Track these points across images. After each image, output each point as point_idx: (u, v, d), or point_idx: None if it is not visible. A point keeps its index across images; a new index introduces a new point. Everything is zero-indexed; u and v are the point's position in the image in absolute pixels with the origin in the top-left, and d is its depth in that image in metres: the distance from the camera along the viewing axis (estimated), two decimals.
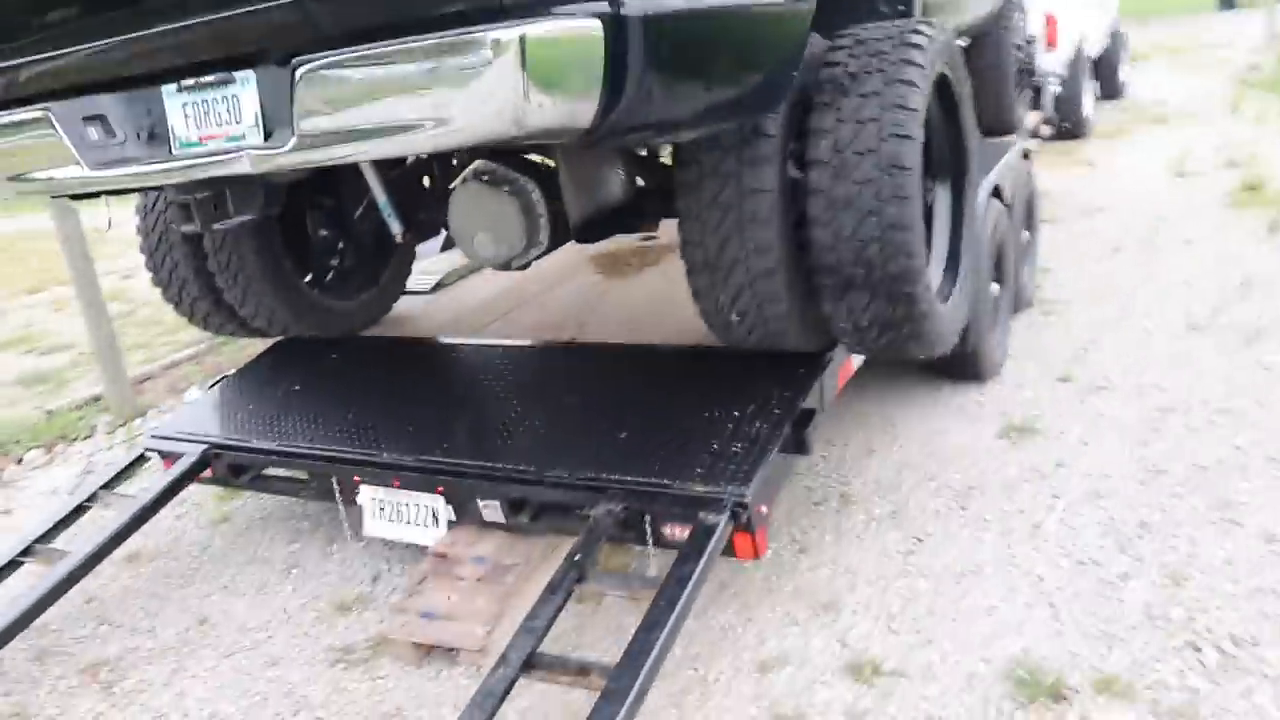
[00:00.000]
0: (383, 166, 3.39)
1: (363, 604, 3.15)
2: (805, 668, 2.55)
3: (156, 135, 2.52)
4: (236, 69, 2.34)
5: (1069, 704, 2.28)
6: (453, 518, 3.01)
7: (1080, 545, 2.91)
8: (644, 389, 3.22)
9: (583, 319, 3.92)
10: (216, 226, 3.10)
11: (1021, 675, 2.39)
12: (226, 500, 4.00)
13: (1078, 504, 3.13)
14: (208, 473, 3.46)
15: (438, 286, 4.55)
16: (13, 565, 3.21)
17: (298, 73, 2.14)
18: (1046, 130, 7.64)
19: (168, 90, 2.46)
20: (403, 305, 4.37)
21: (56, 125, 2.61)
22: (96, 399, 5.65)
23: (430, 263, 4.75)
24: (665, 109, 2.24)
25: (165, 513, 3.52)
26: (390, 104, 2.09)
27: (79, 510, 3.43)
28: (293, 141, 2.20)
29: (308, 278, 3.92)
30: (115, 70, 2.51)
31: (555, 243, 3.15)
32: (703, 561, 2.42)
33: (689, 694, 2.50)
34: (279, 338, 4.11)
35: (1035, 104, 7.14)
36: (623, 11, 2.02)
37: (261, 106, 2.32)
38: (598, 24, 1.98)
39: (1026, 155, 4.93)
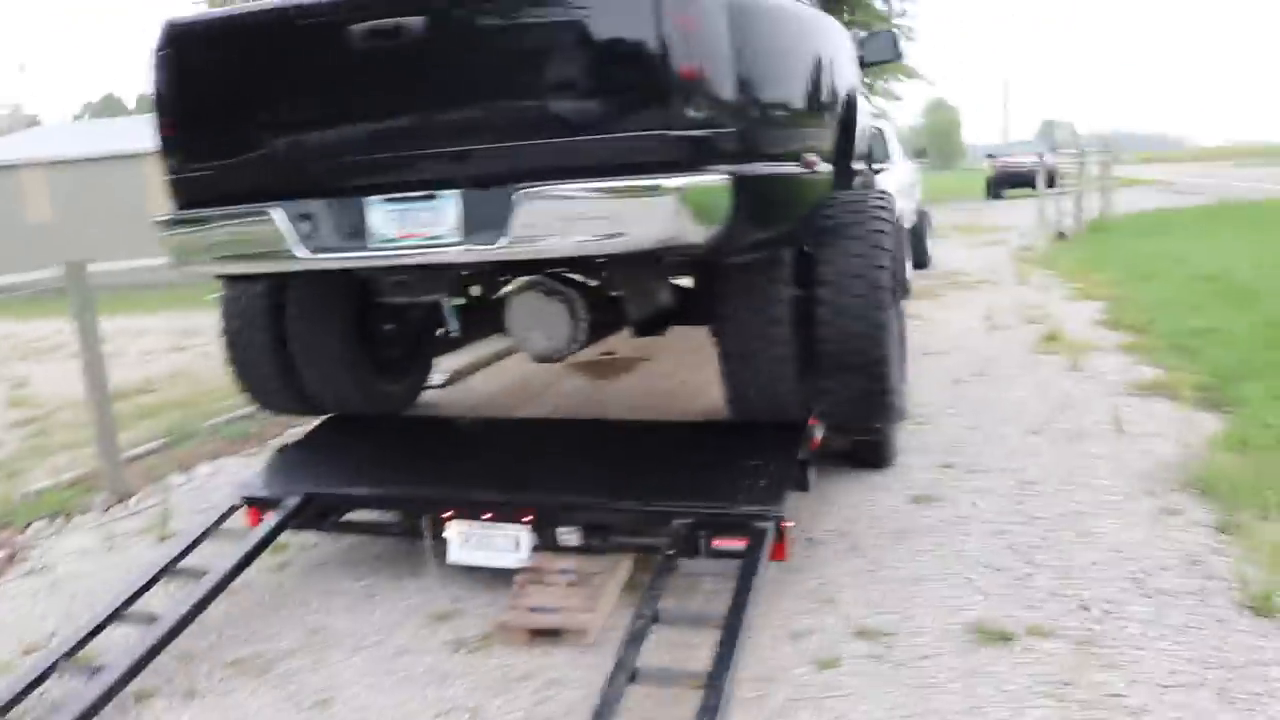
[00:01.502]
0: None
1: (456, 615, 3.93)
2: (826, 634, 3.57)
3: (357, 233, 3.45)
4: (442, 189, 3.33)
5: (1014, 641, 3.39)
6: (534, 544, 3.90)
7: (995, 559, 4.07)
8: (676, 447, 4.24)
9: (596, 406, 4.93)
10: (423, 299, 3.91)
11: (979, 630, 3.49)
12: (276, 553, 4.67)
13: (984, 536, 4.32)
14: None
15: (449, 382, 5.46)
16: (100, 628, 3.63)
17: (516, 194, 3.15)
18: None
19: (374, 200, 3.42)
20: (423, 395, 5.25)
21: (278, 221, 3.50)
22: (75, 482, 6.15)
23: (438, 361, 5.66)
24: (749, 235, 3.36)
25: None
26: (585, 221, 3.14)
27: (171, 565, 3.99)
28: (504, 241, 3.19)
29: (371, 364, 4.77)
30: (332, 183, 3.45)
31: (589, 341, 4.21)
32: (763, 556, 3.42)
33: (748, 655, 3.45)
34: (327, 415, 4.91)
35: None
36: (740, 174, 3.16)
37: (464, 215, 3.30)
38: (728, 179, 3.11)
39: None
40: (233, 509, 4.32)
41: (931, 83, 36.91)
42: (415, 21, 3.22)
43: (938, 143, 79.30)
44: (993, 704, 3.07)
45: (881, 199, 4.03)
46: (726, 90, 3.11)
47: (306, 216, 3.48)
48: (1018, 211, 22.76)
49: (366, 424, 4.80)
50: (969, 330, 9.16)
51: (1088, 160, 19.19)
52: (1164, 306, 9.13)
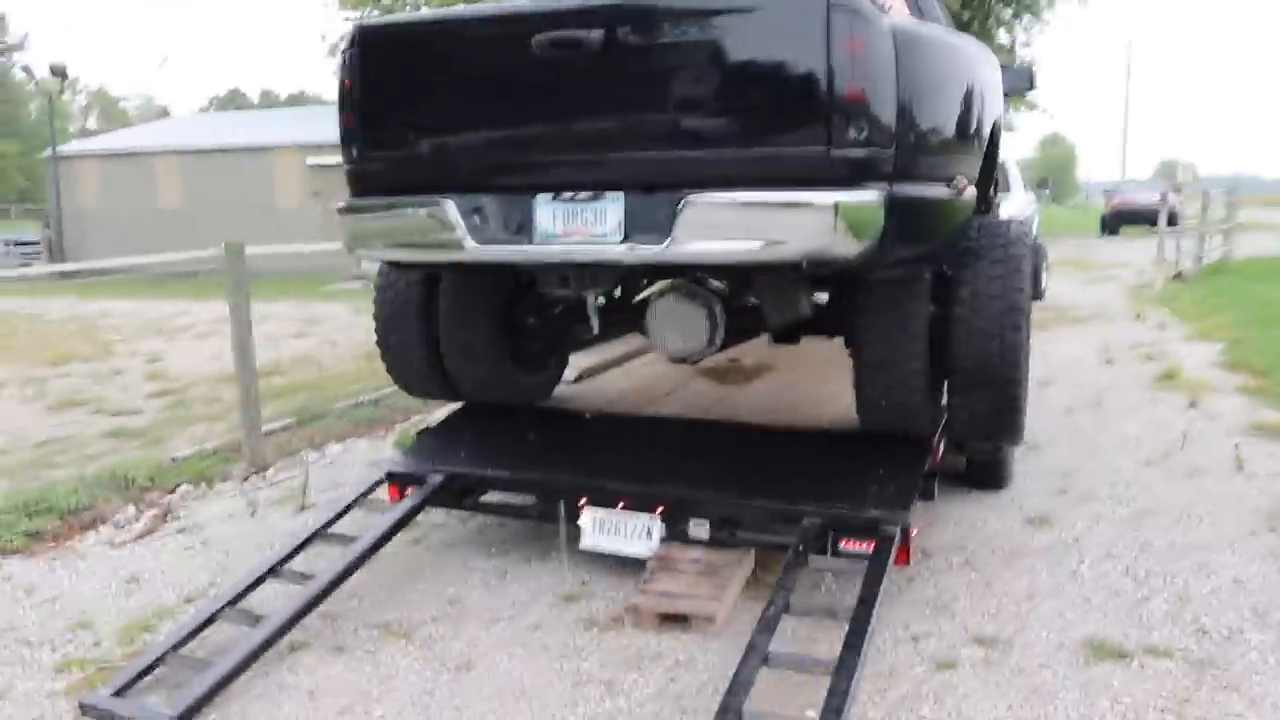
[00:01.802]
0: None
1: (585, 596, 4.16)
2: (944, 638, 3.70)
3: (523, 229, 3.70)
4: (609, 191, 3.55)
5: (1130, 659, 3.48)
6: (664, 534, 4.10)
7: (1109, 581, 4.15)
8: (805, 452, 4.41)
9: (724, 409, 5.12)
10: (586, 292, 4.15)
11: (1095, 645, 3.59)
12: (410, 530, 4.94)
13: (1097, 560, 4.39)
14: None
15: (580, 378, 5.71)
16: (260, 581, 3.94)
17: (684, 200, 3.36)
18: None
19: (542, 198, 3.66)
20: (557, 390, 5.51)
21: (450, 212, 3.76)
22: (215, 452, 6.56)
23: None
24: (898, 252, 3.52)
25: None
26: (747, 228, 3.33)
27: (322, 530, 4.27)
28: (669, 243, 3.41)
29: (512, 356, 5.04)
30: (503, 180, 3.71)
31: (725, 346, 4.39)
32: (891, 560, 3.57)
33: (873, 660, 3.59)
34: (464, 402, 5.19)
35: None
36: (894, 193, 3.32)
37: (626, 217, 3.52)
38: (881, 197, 3.28)
39: None
40: (378, 483, 4.60)
41: (1051, 115, 36.45)
42: (595, 35, 3.46)
43: (1052, 177, 77.93)
44: (1110, 714, 3.17)
45: (1022, 226, 4.15)
46: (887, 113, 3.28)
47: (477, 210, 3.75)
48: (1131, 249, 22.35)
49: (503, 413, 5.07)
50: (1082, 362, 9.12)
51: (1212, 200, 18.77)
52: None
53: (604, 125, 3.58)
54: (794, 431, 4.69)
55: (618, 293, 4.90)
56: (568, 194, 3.63)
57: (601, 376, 5.83)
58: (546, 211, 3.67)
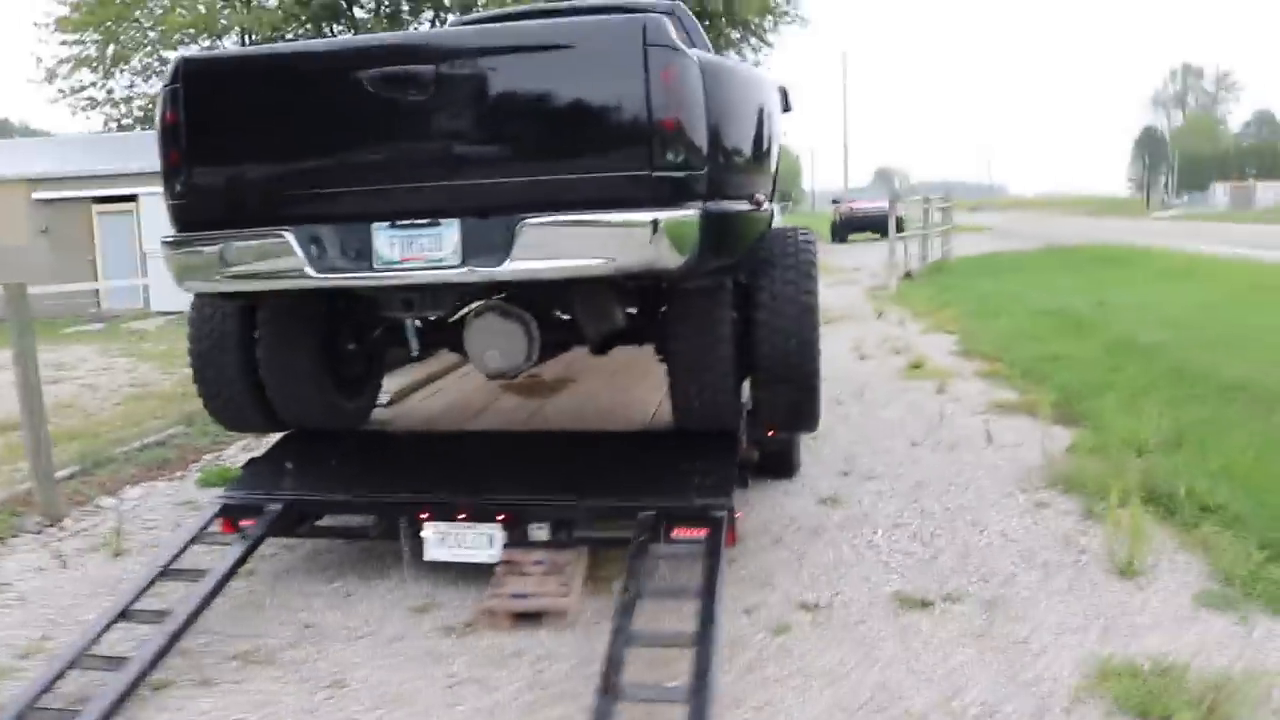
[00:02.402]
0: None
1: (435, 607, 4.33)
2: (772, 609, 4.14)
3: (362, 255, 3.88)
4: (444, 218, 3.79)
5: (932, 607, 4.04)
6: (505, 541, 4.34)
7: (901, 546, 4.74)
8: (627, 453, 4.77)
9: (539, 421, 5.40)
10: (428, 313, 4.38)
11: (901, 598, 4.12)
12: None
13: (888, 529, 4.99)
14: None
15: (393, 400, 5.84)
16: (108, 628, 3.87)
17: (520, 224, 3.64)
18: None
19: (378, 226, 3.85)
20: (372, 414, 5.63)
21: (290, 243, 3.88)
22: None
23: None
24: (711, 262, 3.93)
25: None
26: (579, 246, 3.65)
27: (166, 568, 4.23)
28: (509, 263, 3.68)
29: (333, 382, 5.13)
30: (339, 210, 3.87)
31: (540, 360, 4.71)
32: (722, 542, 3.96)
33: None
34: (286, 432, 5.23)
35: None
36: (708, 210, 3.73)
37: (463, 240, 3.77)
38: (698, 214, 3.68)
39: None
40: (214, 516, 4.58)
41: (784, 131, 38.59)
42: (426, 70, 3.69)
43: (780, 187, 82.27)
44: (925, 651, 3.69)
45: (807, 234, 4.68)
46: (700, 138, 3.68)
47: (315, 240, 3.88)
48: (861, 254, 24.31)
49: (327, 439, 5.15)
50: (839, 358, 9.96)
51: (931, 207, 20.71)
52: (1012, 338, 10.18)
53: (437, 156, 3.81)
54: (616, 435, 5.04)
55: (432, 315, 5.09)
56: (404, 222, 3.82)
57: (412, 398, 5.98)
58: (384, 239, 3.85)
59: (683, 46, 3.68)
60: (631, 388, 6.09)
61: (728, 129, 3.93)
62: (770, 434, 5.00)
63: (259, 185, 3.96)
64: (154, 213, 21.17)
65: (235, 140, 3.99)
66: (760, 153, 4.45)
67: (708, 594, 3.63)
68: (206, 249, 4.01)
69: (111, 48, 29.69)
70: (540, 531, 4.30)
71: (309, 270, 3.87)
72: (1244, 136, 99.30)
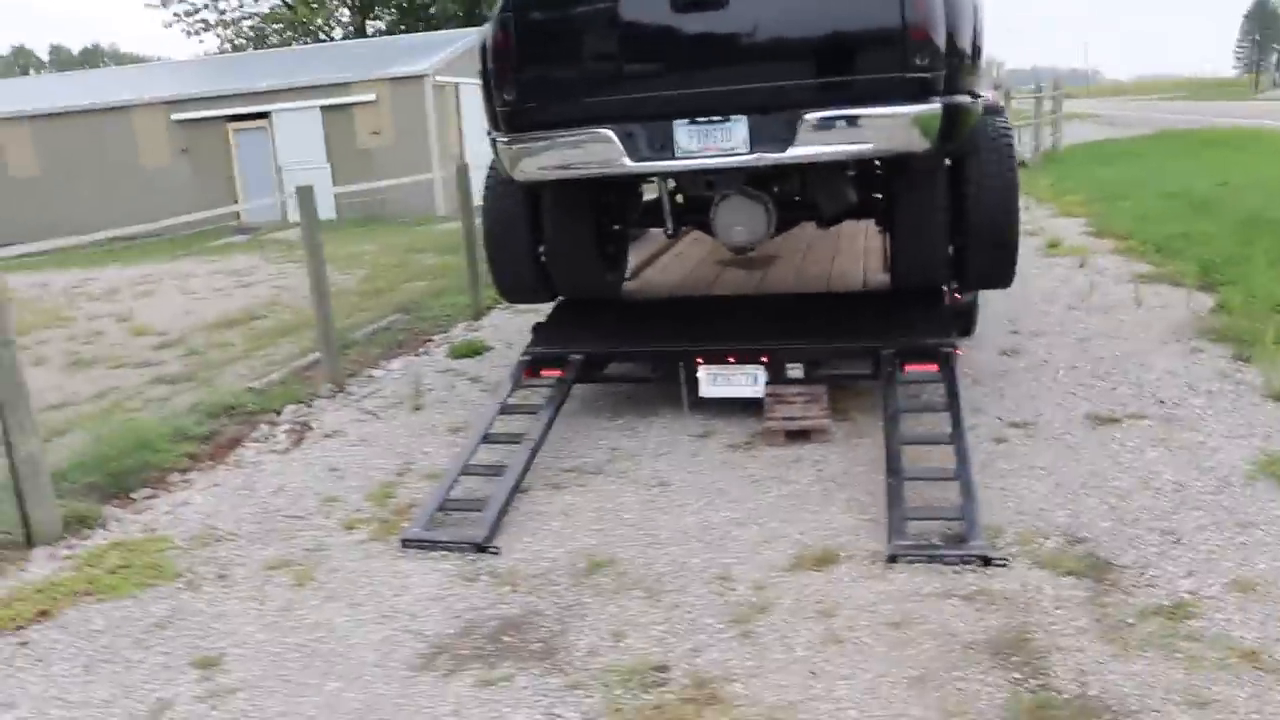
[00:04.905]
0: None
1: (715, 433, 5.45)
2: (989, 427, 5.19)
3: (666, 147, 4.91)
4: (733, 114, 4.79)
5: (1120, 422, 5.06)
6: (766, 379, 5.42)
7: (1083, 380, 5.74)
8: (858, 306, 5.84)
9: (767, 286, 6.47)
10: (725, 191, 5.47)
11: (1093, 416, 5.15)
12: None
13: (1068, 369, 5.99)
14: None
15: (633, 275, 6.96)
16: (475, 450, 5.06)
17: (801, 118, 4.64)
18: None
19: (679, 123, 4.87)
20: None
21: (611, 138, 4.94)
22: (283, 381, 7.32)
23: None
24: (947, 146, 4.89)
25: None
26: (848, 135, 4.65)
27: (504, 406, 5.40)
28: (791, 149, 4.69)
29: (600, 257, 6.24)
30: (649, 111, 4.90)
31: (776, 234, 5.75)
32: (956, 369, 4.99)
33: None
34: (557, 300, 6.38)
35: None
36: (946, 104, 4.68)
37: (750, 133, 4.78)
38: (940, 107, 4.64)
39: None
40: (523, 366, 5.71)
41: None
42: None
43: None
44: (1121, 451, 4.72)
45: (1005, 123, 5.59)
46: (940, 45, 4.62)
47: (630, 135, 4.93)
48: None
49: (590, 306, 6.27)
50: None
51: (1043, 96, 21.06)
52: (1140, 219, 10.91)
53: (727, 63, 4.81)
54: (842, 294, 6.10)
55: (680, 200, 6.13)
56: (701, 119, 4.84)
57: (645, 273, 7.14)
58: (684, 133, 4.89)
59: None
60: (827, 261, 7.13)
61: (958, 36, 4.84)
62: (957, 296, 6.00)
63: (582, 92, 5.00)
64: (287, 129, 22.53)
65: (559, 57, 5.03)
66: (976, 55, 5.35)
67: (953, 404, 4.70)
68: (538, 144, 5.08)
69: None
70: (795, 370, 5.38)
71: (625, 161, 4.93)
72: None
